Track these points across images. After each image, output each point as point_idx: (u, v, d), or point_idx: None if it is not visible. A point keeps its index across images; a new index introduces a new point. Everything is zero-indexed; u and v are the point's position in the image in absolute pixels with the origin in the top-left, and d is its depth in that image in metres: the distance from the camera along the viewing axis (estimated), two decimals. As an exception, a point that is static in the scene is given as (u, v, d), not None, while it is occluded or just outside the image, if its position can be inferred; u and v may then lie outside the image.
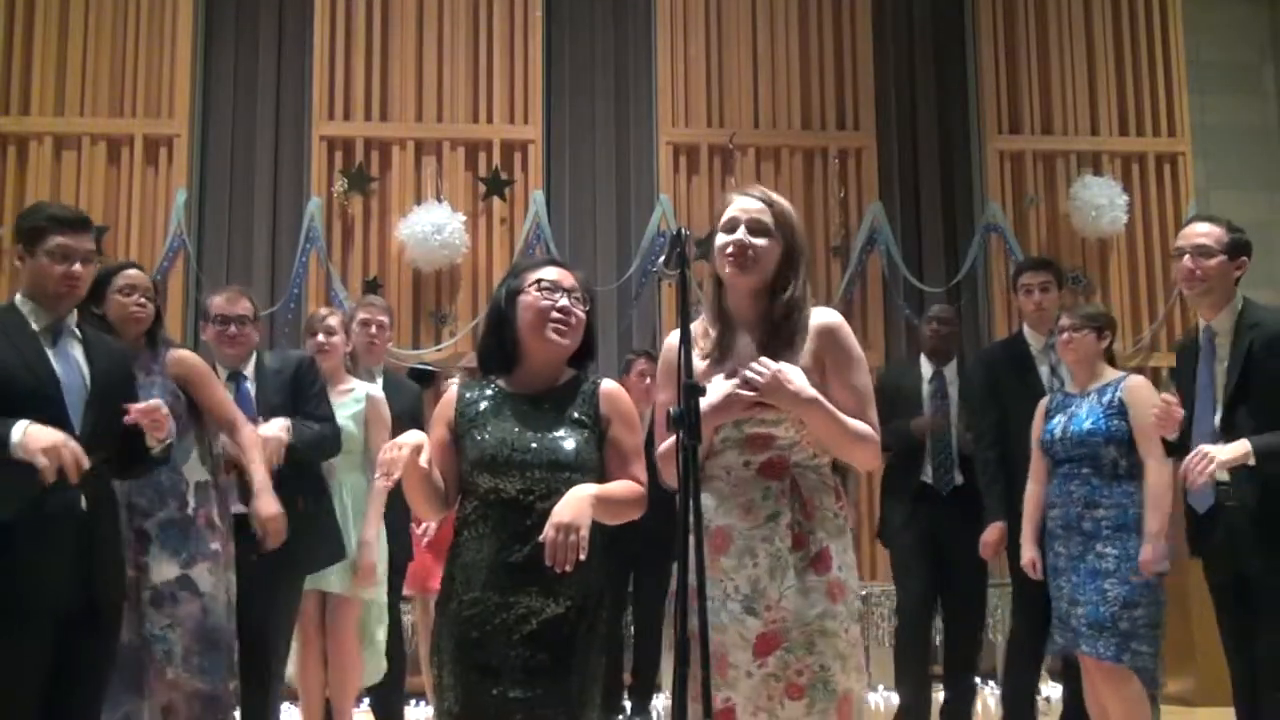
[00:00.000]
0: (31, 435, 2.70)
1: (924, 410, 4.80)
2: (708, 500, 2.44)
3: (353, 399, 4.33)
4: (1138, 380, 4.00)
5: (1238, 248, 3.53)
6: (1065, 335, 4.06)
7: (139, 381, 3.37)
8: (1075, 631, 3.82)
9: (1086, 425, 3.91)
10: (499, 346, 2.54)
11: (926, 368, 4.92)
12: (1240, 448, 3.25)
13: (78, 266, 2.97)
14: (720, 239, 2.54)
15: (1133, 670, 3.74)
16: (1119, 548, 3.77)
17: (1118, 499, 3.83)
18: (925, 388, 4.86)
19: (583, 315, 2.52)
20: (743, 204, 2.56)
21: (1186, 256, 3.52)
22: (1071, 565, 3.87)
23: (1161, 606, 3.80)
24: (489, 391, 2.53)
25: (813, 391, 2.41)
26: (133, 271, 3.61)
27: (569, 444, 2.43)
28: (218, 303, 3.99)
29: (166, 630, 3.37)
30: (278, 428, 3.78)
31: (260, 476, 3.59)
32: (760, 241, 2.52)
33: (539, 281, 2.50)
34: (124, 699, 3.31)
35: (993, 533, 4.41)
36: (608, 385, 2.56)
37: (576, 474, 2.41)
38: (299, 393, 3.93)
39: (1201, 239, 3.52)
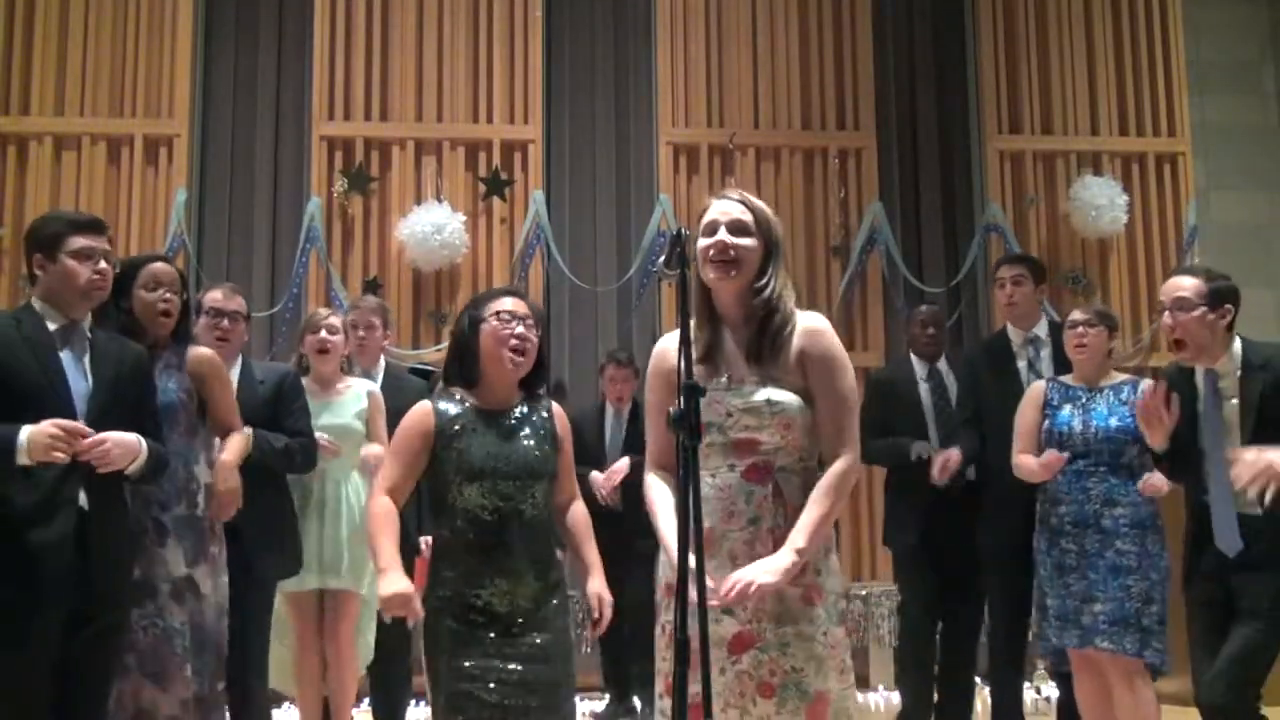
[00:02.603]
0: (31, 439, 2.78)
1: (923, 407, 4.78)
2: None
3: (353, 396, 4.36)
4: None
5: (1219, 296, 3.36)
6: (1080, 330, 3.98)
7: (157, 372, 3.37)
8: (1089, 629, 3.80)
9: (1113, 422, 3.88)
10: (461, 368, 2.85)
11: (919, 366, 4.88)
12: None
13: (103, 264, 3.03)
14: (702, 242, 2.58)
15: (1149, 665, 3.77)
16: (1138, 545, 3.80)
17: (1134, 496, 3.84)
18: (923, 386, 4.84)
19: (535, 340, 2.83)
20: (721, 207, 2.60)
21: (1167, 313, 3.39)
22: (1087, 562, 3.84)
23: (1167, 604, 3.82)
24: (461, 409, 2.80)
25: (785, 559, 2.38)
26: (158, 266, 3.55)
27: (538, 454, 2.80)
28: (214, 296, 4.01)
29: (185, 626, 3.34)
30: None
31: (230, 453, 3.56)
32: (741, 241, 2.54)
33: (499, 313, 2.80)
34: (144, 689, 3.26)
35: (951, 455, 4.40)
36: (558, 407, 2.94)
37: (542, 482, 2.78)
38: (281, 406, 3.93)
39: (1180, 292, 3.38)
